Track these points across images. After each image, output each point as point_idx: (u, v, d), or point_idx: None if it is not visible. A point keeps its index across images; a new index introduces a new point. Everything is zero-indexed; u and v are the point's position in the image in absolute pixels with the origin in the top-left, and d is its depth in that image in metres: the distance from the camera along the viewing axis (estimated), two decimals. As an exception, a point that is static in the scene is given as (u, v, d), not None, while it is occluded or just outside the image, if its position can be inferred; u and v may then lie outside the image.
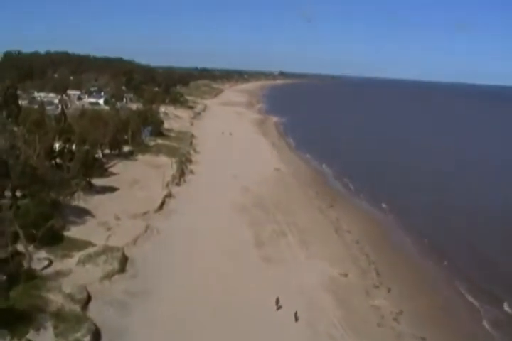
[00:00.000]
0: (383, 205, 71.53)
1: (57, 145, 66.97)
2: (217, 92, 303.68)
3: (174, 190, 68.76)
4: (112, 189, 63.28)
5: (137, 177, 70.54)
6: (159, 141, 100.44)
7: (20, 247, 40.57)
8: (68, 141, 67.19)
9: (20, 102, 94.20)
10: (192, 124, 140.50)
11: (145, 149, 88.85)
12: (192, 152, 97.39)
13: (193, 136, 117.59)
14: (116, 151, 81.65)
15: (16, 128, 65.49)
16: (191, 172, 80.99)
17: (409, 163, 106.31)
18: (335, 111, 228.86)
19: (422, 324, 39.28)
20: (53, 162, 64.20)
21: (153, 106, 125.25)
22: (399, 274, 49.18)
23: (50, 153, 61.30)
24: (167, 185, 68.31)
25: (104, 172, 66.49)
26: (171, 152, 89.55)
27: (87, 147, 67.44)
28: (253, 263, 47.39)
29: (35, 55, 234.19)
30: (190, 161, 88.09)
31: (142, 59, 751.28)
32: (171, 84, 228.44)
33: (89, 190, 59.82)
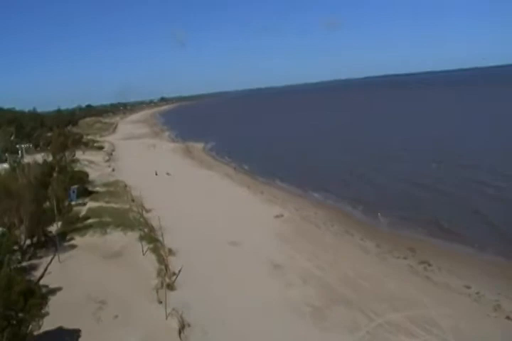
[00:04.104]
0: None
1: None
2: (114, 127, 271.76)
3: (175, 303, 36.80)
4: (67, 338, 32.50)
5: (95, 290, 38.85)
6: (92, 203, 68.85)
7: None
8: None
9: None
10: (113, 169, 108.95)
11: (81, 224, 57.28)
12: (143, 212, 67.53)
13: (126, 186, 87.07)
14: (42, 238, 49.74)
15: None
16: (170, 252, 51.11)
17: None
18: (247, 123, 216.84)
19: None
20: None
21: (66, 154, 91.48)
22: None
23: None
24: (161, 301, 37.86)
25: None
26: (118, 220, 58.82)
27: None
28: None
29: None
30: (154, 231, 58.17)
31: (25, 106, 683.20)
32: (62, 126, 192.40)
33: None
